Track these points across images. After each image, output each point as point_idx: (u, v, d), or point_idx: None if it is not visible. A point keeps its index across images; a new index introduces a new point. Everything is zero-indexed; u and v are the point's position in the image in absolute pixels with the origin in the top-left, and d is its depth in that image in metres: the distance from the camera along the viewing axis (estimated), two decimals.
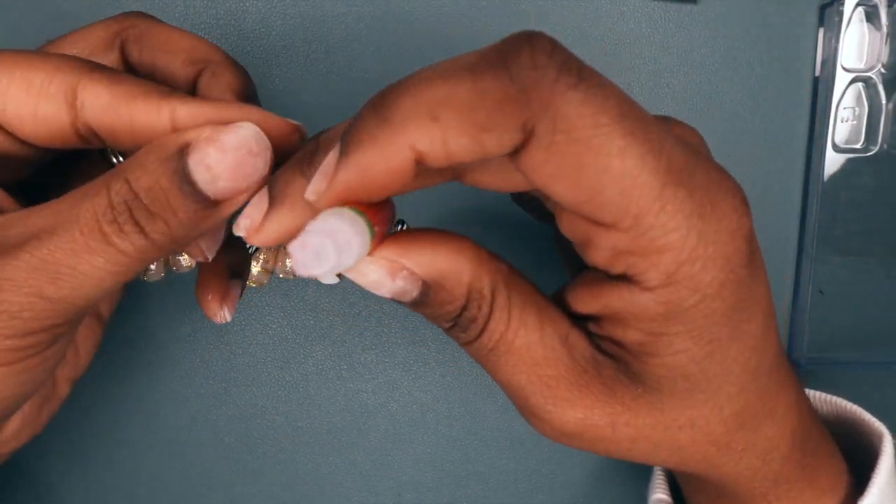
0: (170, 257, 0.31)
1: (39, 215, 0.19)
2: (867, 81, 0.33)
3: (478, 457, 0.35)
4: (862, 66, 0.33)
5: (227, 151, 0.18)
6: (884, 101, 0.33)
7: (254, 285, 0.32)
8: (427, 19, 0.32)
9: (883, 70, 0.33)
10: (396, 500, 0.35)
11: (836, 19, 0.32)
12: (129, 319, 0.32)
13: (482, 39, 0.32)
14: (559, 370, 0.20)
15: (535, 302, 0.20)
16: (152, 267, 0.30)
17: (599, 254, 0.18)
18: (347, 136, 0.17)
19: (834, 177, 0.33)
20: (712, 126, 0.34)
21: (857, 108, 0.33)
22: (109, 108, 0.19)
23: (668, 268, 0.17)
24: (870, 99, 0.33)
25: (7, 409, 0.20)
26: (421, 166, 0.16)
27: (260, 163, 0.19)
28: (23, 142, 0.21)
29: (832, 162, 0.33)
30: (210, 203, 0.18)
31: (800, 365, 0.35)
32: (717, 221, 0.17)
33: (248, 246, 0.32)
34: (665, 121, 0.22)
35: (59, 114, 0.20)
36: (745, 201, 0.18)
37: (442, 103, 0.16)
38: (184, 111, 0.19)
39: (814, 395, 0.29)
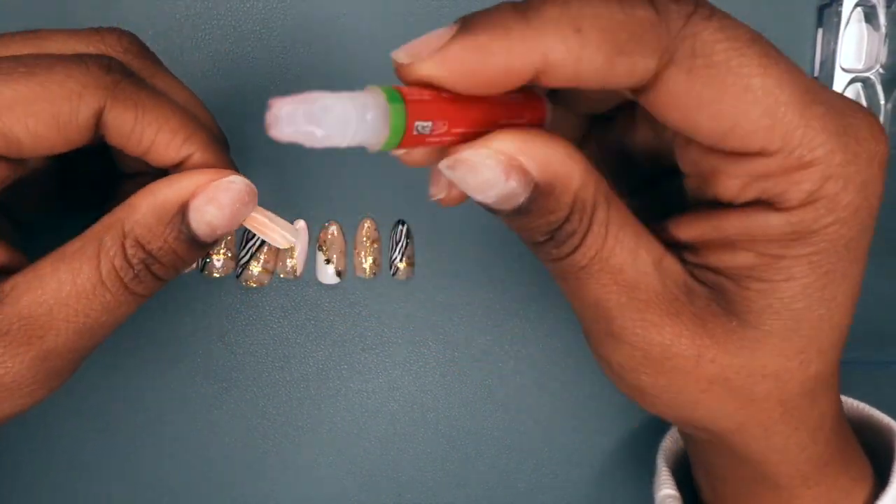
0: None
1: (56, 280, 0.20)
2: (866, 82, 0.33)
3: (478, 457, 0.35)
4: (860, 66, 0.33)
5: (224, 207, 0.20)
6: (882, 102, 0.33)
7: (254, 285, 0.32)
8: (427, 19, 0.32)
9: (881, 70, 0.33)
10: (396, 500, 0.35)
11: (835, 20, 0.32)
12: (129, 319, 0.32)
13: None
14: (650, 294, 0.19)
15: (632, 222, 0.19)
16: None
17: (731, 184, 0.18)
18: (472, 17, 0.16)
19: None
20: None
21: None
22: (133, 133, 0.21)
23: (813, 185, 0.17)
24: (868, 99, 0.33)
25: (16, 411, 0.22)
26: (537, 78, 0.16)
27: (249, 207, 0.21)
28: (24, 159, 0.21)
29: None
30: (206, 245, 0.21)
31: None
32: (857, 143, 0.17)
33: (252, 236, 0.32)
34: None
35: (85, 134, 0.20)
36: (881, 129, 0.18)
37: (589, 17, 0.16)
38: (198, 160, 0.21)
39: None
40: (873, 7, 0.32)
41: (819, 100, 0.17)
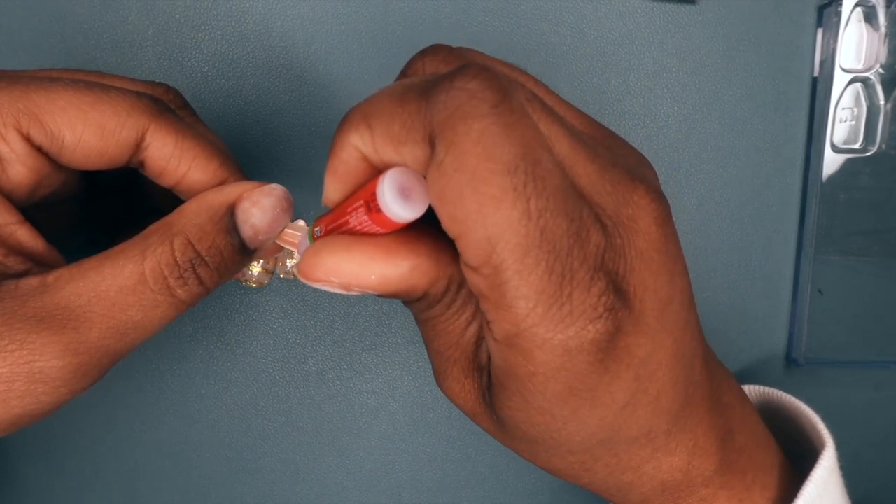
0: None
1: (99, 274, 0.20)
2: (865, 82, 0.33)
3: (478, 457, 0.35)
4: (860, 66, 0.33)
5: (267, 211, 0.22)
6: (882, 102, 0.33)
7: (254, 285, 0.32)
8: (427, 19, 0.32)
9: (881, 70, 0.33)
10: (396, 500, 0.35)
11: (835, 20, 0.32)
12: None
13: (481, 40, 0.32)
14: (461, 358, 0.21)
15: (476, 307, 0.21)
16: None
17: (471, 283, 0.18)
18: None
19: (833, 177, 0.33)
20: (711, 126, 0.34)
21: (855, 109, 0.33)
22: (172, 157, 0.22)
23: (510, 329, 0.18)
24: (868, 99, 0.33)
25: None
26: (369, 165, 0.19)
27: (288, 216, 0.22)
28: (67, 167, 0.22)
29: (831, 162, 0.33)
30: (249, 251, 0.22)
31: (799, 365, 0.35)
32: (571, 312, 0.17)
33: None
34: (622, 146, 0.22)
35: (124, 154, 0.22)
36: (612, 307, 0.18)
37: (375, 115, 0.18)
38: (233, 188, 0.22)
39: (755, 389, 0.30)
40: (873, 7, 0.32)
41: (547, 255, 0.17)
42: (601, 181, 0.19)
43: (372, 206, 0.18)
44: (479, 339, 0.21)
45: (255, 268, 0.32)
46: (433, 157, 0.17)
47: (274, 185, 0.22)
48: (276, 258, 0.32)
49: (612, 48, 0.33)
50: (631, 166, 0.20)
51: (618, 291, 0.18)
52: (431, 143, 0.17)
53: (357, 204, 0.19)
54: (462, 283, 0.20)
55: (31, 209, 0.22)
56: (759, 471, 0.24)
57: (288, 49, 0.32)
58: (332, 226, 0.21)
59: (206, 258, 0.21)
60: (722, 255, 0.35)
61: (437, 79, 0.17)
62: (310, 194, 0.32)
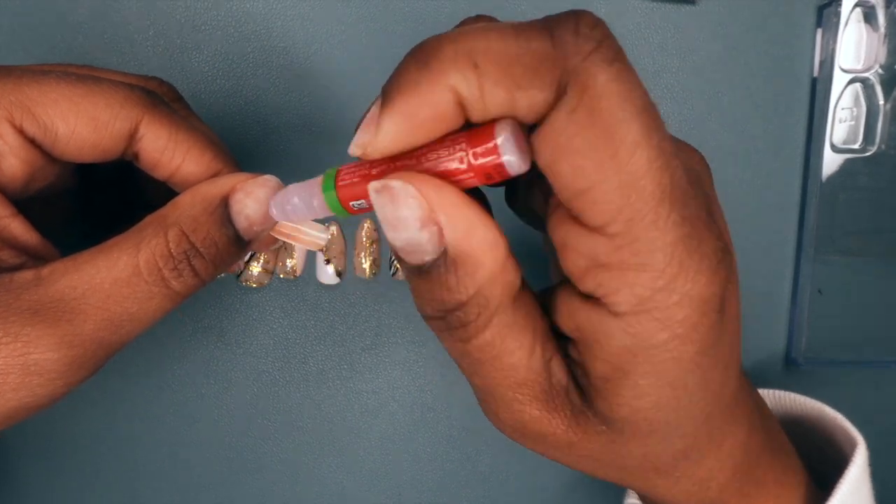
0: None
1: (94, 266, 0.20)
2: (865, 82, 0.33)
3: (478, 457, 0.35)
4: (860, 66, 0.33)
5: (261, 202, 0.21)
6: (881, 102, 0.33)
7: (254, 285, 0.32)
8: (427, 20, 0.32)
9: (880, 70, 0.33)
10: (396, 500, 0.35)
11: (834, 20, 0.32)
12: None
13: None
14: (535, 391, 0.19)
15: (534, 323, 0.19)
16: None
17: (575, 261, 0.17)
18: (388, 85, 0.16)
19: (832, 177, 0.33)
20: (711, 126, 0.34)
21: (854, 109, 0.33)
22: (166, 150, 0.22)
23: (643, 291, 0.16)
24: (867, 99, 0.33)
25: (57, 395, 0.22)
26: (464, 111, 0.16)
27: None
28: (61, 160, 0.22)
29: (830, 162, 0.33)
30: (243, 243, 0.22)
31: (798, 365, 0.35)
32: (701, 260, 0.16)
33: None
34: (677, 141, 0.21)
35: (117, 146, 0.22)
36: (729, 250, 0.17)
37: (483, 52, 0.16)
38: (227, 179, 0.22)
39: (781, 395, 0.29)
40: (872, 7, 0.32)
41: (679, 202, 0.16)
42: (678, 144, 0.19)
43: (479, 154, 0.16)
44: (549, 362, 0.19)
45: (255, 268, 0.32)
46: (562, 104, 0.15)
47: (268, 177, 0.22)
48: (276, 258, 0.32)
49: None
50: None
51: (722, 238, 0.17)
52: (559, 90, 0.15)
53: (451, 150, 0.17)
54: (513, 307, 0.18)
55: (26, 203, 0.22)
56: (792, 453, 0.24)
57: (288, 49, 0.32)
58: (378, 171, 0.18)
59: (201, 249, 0.21)
60: None
61: (557, 21, 0.16)
62: None
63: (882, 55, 0.33)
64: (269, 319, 0.33)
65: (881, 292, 0.35)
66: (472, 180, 0.17)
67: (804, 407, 0.28)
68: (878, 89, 0.33)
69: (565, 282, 0.19)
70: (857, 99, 0.33)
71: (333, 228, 0.32)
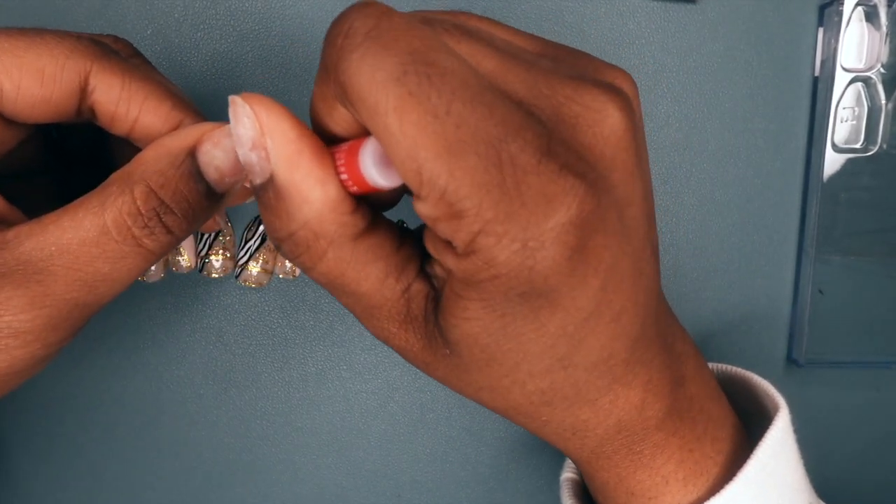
0: (169, 257, 0.31)
1: (59, 227, 0.20)
2: (867, 81, 0.33)
3: (478, 457, 0.35)
4: (861, 65, 0.33)
5: (230, 152, 0.20)
6: (883, 101, 0.33)
7: (253, 285, 0.32)
8: None
9: (882, 70, 0.33)
10: (396, 500, 0.35)
11: (836, 19, 0.32)
12: (129, 320, 0.32)
13: None
14: (391, 313, 0.20)
15: (386, 257, 0.20)
16: (152, 268, 0.30)
17: (427, 219, 0.18)
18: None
19: (833, 177, 0.33)
20: (712, 126, 0.34)
21: (856, 108, 0.33)
22: (120, 101, 0.21)
23: (465, 237, 0.17)
24: (869, 99, 0.33)
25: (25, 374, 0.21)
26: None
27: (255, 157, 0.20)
28: (15, 122, 0.21)
29: (832, 162, 0.33)
30: (217, 196, 0.21)
31: (799, 365, 0.35)
32: (522, 206, 0.16)
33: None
34: (578, 58, 0.20)
35: (69, 101, 0.21)
36: (577, 192, 0.17)
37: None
38: (191, 130, 0.21)
39: (712, 366, 0.28)
40: (874, 6, 0.32)
41: (470, 148, 0.16)
42: (536, 87, 0.18)
43: (351, 162, 0.18)
44: (407, 289, 0.20)
45: (255, 268, 0.32)
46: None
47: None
48: (276, 258, 0.32)
49: (613, 48, 0.33)
50: (584, 73, 0.19)
51: (577, 176, 0.17)
52: (339, 99, 0.17)
53: (341, 151, 0.19)
54: (353, 241, 0.19)
55: (6, 183, 0.22)
56: (710, 422, 0.23)
57: (287, 48, 0.32)
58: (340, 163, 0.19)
59: (172, 205, 0.20)
60: (722, 255, 0.35)
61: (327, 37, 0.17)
62: None
63: (884, 54, 0.33)
64: (269, 319, 0.33)
65: (882, 292, 0.35)
66: (355, 187, 0.18)
67: (731, 374, 0.28)
68: (880, 89, 0.33)
69: None
70: (858, 98, 0.33)
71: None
